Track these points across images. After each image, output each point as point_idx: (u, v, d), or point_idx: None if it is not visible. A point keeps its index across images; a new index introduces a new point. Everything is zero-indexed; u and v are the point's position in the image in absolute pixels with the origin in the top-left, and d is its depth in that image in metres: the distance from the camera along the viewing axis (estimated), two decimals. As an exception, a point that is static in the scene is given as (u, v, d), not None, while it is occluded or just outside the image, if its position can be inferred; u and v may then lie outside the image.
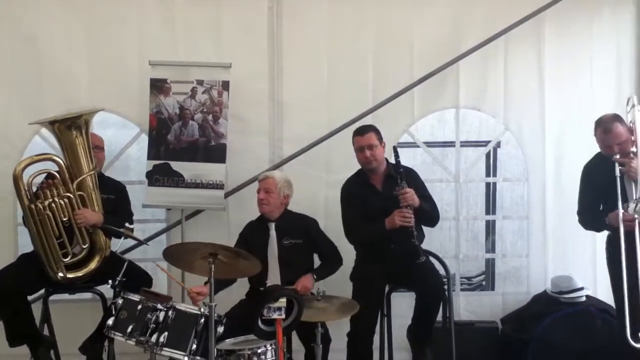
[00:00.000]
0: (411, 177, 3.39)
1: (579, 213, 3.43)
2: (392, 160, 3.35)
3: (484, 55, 3.99)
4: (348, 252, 3.53)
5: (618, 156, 3.09)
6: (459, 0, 4.03)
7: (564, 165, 4.06)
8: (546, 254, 4.09)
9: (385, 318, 3.54)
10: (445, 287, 3.50)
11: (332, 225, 3.81)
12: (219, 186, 3.73)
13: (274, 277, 3.34)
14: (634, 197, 3.04)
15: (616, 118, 3.23)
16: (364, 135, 3.38)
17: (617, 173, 3.07)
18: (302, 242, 3.40)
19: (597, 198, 3.31)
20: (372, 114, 3.95)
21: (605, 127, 3.20)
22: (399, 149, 3.37)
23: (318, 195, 3.97)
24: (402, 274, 3.35)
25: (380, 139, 3.41)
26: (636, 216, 2.94)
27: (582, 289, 3.78)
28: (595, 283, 4.00)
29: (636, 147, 3.11)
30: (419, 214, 3.26)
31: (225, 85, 3.72)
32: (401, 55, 4.02)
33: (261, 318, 2.61)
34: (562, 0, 3.90)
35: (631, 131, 3.16)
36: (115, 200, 3.48)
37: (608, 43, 4.12)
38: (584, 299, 3.78)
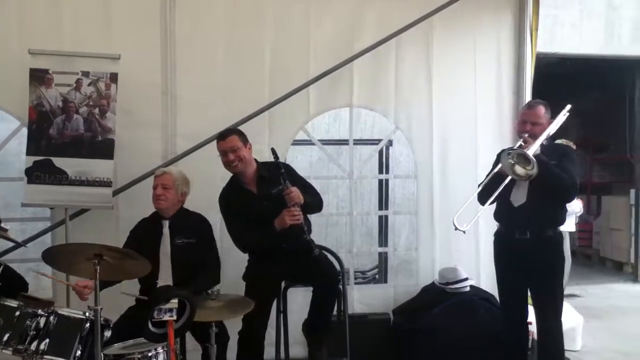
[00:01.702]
0: (289, 172, 3.36)
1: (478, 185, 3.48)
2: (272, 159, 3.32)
3: (377, 56, 4.10)
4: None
5: (527, 135, 3.24)
6: (354, 1, 4.11)
7: (450, 163, 4.29)
8: (434, 247, 4.28)
9: (282, 314, 3.55)
10: (340, 278, 3.55)
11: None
12: (106, 183, 3.55)
13: (165, 277, 3.22)
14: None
15: (544, 104, 3.36)
16: (226, 139, 3.32)
17: (517, 144, 3.22)
18: (195, 242, 3.31)
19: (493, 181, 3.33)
20: (268, 111, 3.94)
21: (531, 103, 3.44)
22: (276, 150, 3.36)
23: (214, 192, 3.87)
24: (297, 270, 3.37)
25: (244, 141, 3.34)
26: (510, 161, 3.09)
27: (466, 279, 4.01)
28: (478, 274, 4.26)
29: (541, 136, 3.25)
30: (305, 207, 3.29)
31: (114, 77, 3.55)
32: (298, 53, 4.03)
33: (152, 320, 2.53)
34: (450, 6, 4.10)
35: (549, 124, 3.33)
36: None
37: (489, 49, 4.38)
38: (468, 289, 4.00)
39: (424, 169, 4.30)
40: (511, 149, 3.17)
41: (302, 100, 4.02)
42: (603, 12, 6.40)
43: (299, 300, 3.64)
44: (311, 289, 3.44)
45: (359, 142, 4.26)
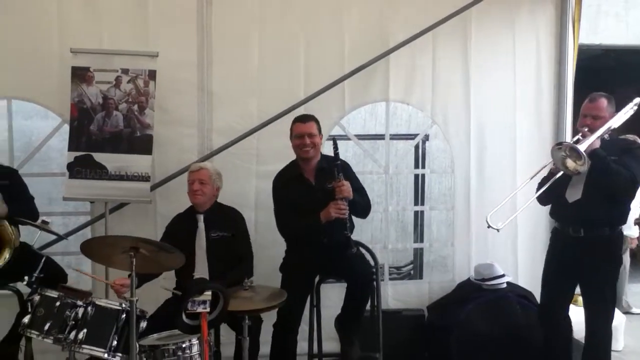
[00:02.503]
0: (345, 169, 3.39)
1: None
2: (330, 152, 3.32)
3: (413, 50, 4.05)
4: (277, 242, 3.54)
5: (586, 129, 3.13)
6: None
7: (487, 158, 4.20)
8: (470, 243, 4.22)
9: (315, 309, 3.56)
10: (374, 277, 3.54)
11: (262, 218, 3.83)
12: (144, 178, 3.62)
13: (201, 270, 3.29)
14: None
15: (607, 97, 3.23)
16: (306, 122, 3.37)
17: (574, 138, 3.14)
18: (230, 235, 3.36)
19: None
20: (303, 106, 3.94)
21: (592, 96, 3.25)
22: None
23: (248, 187, 3.93)
24: (332, 265, 3.37)
25: (319, 130, 3.41)
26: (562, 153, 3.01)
27: (503, 276, 3.93)
28: (516, 270, 4.18)
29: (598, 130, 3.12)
30: (352, 206, 3.28)
31: (152, 74, 3.62)
32: (332, 48, 4.02)
33: (185, 312, 2.58)
34: (486, -1, 4.04)
35: (611, 117, 3.20)
36: (10, 187, 3.28)
37: (529, 41, 4.27)
38: (504, 285, 3.92)
39: (461, 164, 4.23)
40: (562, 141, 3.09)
41: (337, 95, 4.01)
42: (650, 1, 6.16)
43: (333, 296, 3.64)
44: (344, 284, 3.43)
45: (395, 137, 4.21)
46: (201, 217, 3.35)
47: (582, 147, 2.96)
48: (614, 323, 4.10)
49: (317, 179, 3.41)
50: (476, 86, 4.20)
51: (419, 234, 4.34)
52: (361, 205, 3.41)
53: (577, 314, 3.45)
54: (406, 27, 4.02)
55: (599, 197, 3.09)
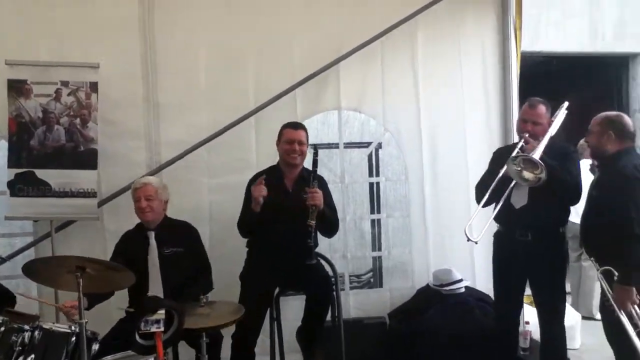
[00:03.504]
0: (320, 183, 3.36)
1: (475, 187, 3.45)
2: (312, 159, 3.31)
3: (363, 58, 4.05)
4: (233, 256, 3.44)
5: (527, 135, 3.18)
6: (339, 5, 4.06)
7: (439, 164, 4.24)
8: (427, 249, 4.23)
9: (275, 322, 3.48)
10: (333, 287, 3.49)
11: (217, 232, 3.73)
12: (90, 194, 3.46)
13: (155, 288, 3.15)
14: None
15: (545, 103, 3.31)
16: (297, 130, 3.39)
17: (519, 146, 3.16)
18: (183, 250, 3.24)
19: (491, 177, 3.28)
20: (255, 116, 3.89)
21: (532, 102, 3.30)
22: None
23: (201, 201, 3.81)
24: (291, 276, 3.32)
25: (307, 139, 3.42)
26: (516, 167, 3.04)
27: (461, 280, 3.96)
28: (473, 274, 4.20)
29: (543, 137, 3.18)
30: (321, 219, 3.25)
31: (94, 86, 3.48)
32: (283, 56, 3.97)
33: (139, 332, 2.45)
34: (432, 6, 4.08)
35: (549, 123, 3.28)
36: None
37: (474, 48, 4.34)
38: (463, 290, 3.95)
39: (415, 171, 4.24)
40: (515, 154, 3.07)
41: (289, 104, 3.96)
42: (586, 10, 6.44)
43: (294, 308, 3.57)
44: (304, 296, 3.37)
45: (349, 145, 4.20)
46: (152, 234, 3.21)
47: (536, 155, 2.99)
48: (571, 322, 4.23)
49: (295, 187, 3.37)
50: (425, 93, 4.24)
51: (376, 242, 4.32)
52: (330, 220, 3.39)
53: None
54: (356, 35, 4.01)
55: (545, 202, 3.14)
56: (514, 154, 3.09)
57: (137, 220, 3.27)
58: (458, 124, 4.32)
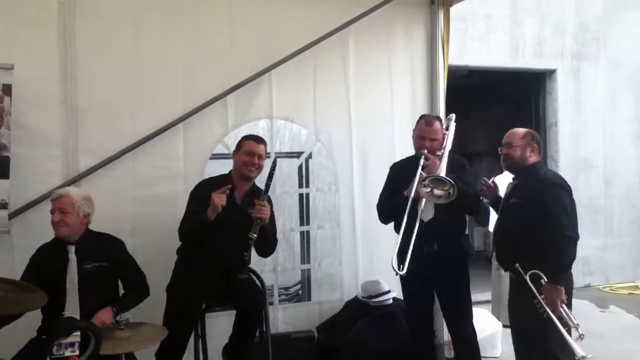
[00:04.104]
0: (268, 201, 3.30)
1: (377, 206, 3.57)
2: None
3: (295, 68, 4.02)
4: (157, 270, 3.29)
5: (426, 151, 3.30)
6: (270, 13, 4.00)
7: (369, 174, 4.27)
8: (356, 260, 4.25)
9: (200, 339, 3.36)
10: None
11: (141, 245, 3.53)
12: (1, 205, 3.20)
13: (72, 308, 2.92)
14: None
15: (439, 118, 3.52)
16: (259, 144, 3.34)
17: (421, 163, 3.26)
18: (106, 265, 3.04)
19: (395, 192, 3.44)
20: (183, 123, 3.74)
21: (428, 120, 3.44)
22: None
23: (124, 212, 3.61)
24: (222, 290, 3.23)
25: (266, 154, 3.36)
26: (426, 190, 3.14)
27: (389, 292, 3.98)
28: (400, 285, 4.24)
29: (443, 150, 3.37)
30: (262, 235, 3.19)
31: (7, 89, 3.21)
32: (214, 62, 3.85)
33: (51, 357, 2.28)
34: (363, 18, 4.11)
35: (443, 138, 3.43)
36: None
37: (404, 59, 4.42)
38: (391, 301, 3.98)
39: (345, 181, 4.26)
40: (423, 177, 3.16)
41: (220, 112, 3.86)
42: (508, 27, 6.71)
43: (219, 325, 3.47)
44: (231, 312, 3.29)
45: (279, 155, 4.11)
46: (72, 249, 2.98)
47: (442, 173, 3.14)
48: (492, 331, 4.36)
49: (244, 201, 3.29)
50: (357, 103, 4.27)
51: (305, 254, 4.27)
52: (270, 238, 3.36)
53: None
54: (288, 43, 3.97)
55: (448, 214, 3.28)
56: (417, 177, 3.18)
57: (50, 236, 3.03)
58: (388, 134, 4.38)
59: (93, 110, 3.57)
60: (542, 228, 2.97)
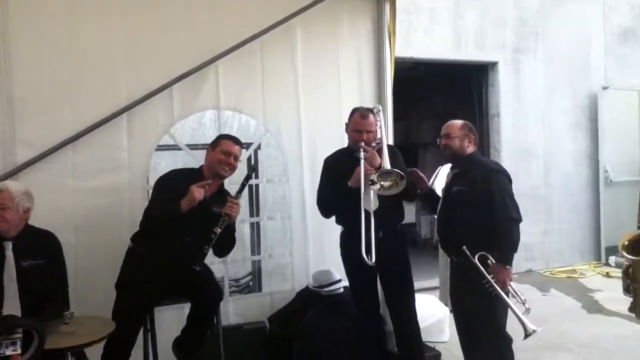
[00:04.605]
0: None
1: (318, 203, 3.61)
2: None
3: (242, 57, 3.96)
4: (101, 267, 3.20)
5: (363, 144, 3.35)
6: (217, 2, 3.93)
7: (318, 165, 4.21)
8: (307, 251, 4.25)
9: (149, 333, 3.28)
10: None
11: (83, 240, 3.43)
12: None
13: (12, 306, 2.80)
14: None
15: (372, 111, 3.58)
16: (236, 145, 3.32)
17: (362, 156, 3.30)
18: (44, 262, 2.93)
19: (334, 187, 3.48)
20: (127, 113, 3.63)
21: (363, 113, 3.49)
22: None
23: (64, 206, 3.47)
24: (177, 282, 3.17)
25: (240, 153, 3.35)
26: (376, 186, 3.20)
27: (339, 281, 4.00)
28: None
29: (380, 143, 3.44)
30: (226, 233, 3.18)
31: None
32: (158, 51, 3.74)
33: (-9, 357, 2.18)
34: (310, 8, 4.09)
35: (376, 129, 3.52)
36: None
37: (351, 49, 4.42)
38: (342, 290, 4.00)
39: (295, 171, 4.24)
40: (371, 175, 3.21)
41: (165, 102, 3.76)
42: (451, 20, 6.86)
43: (168, 318, 3.40)
44: (180, 305, 3.23)
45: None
46: (9, 245, 2.86)
47: (387, 165, 3.22)
48: (439, 316, 4.47)
49: (211, 199, 3.23)
50: (305, 94, 4.25)
51: (256, 246, 4.25)
52: (230, 239, 3.35)
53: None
54: (236, 33, 3.92)
55: (390, 203, 3.37)
56: (362, 167, 3.23)
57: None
58: (336, 124, 4.32)
59: (30, 100, 3.40)
60: (490, 212, 3.11)
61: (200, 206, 3.12)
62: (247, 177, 3.27)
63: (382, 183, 3.20)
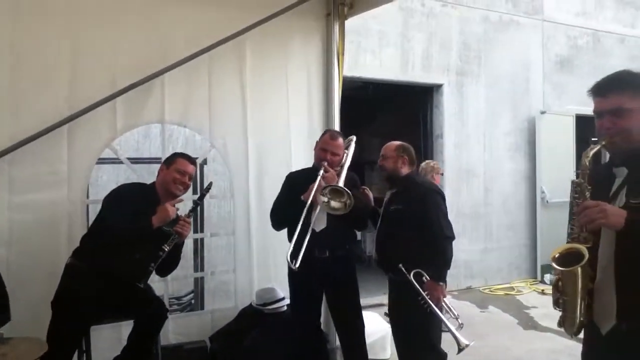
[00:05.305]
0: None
1: (271, 213, 3.61)
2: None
3: (190, 71, 3.93)
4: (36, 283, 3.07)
5: (326, 164, 3.41)
6: (165, 14, 3.88)
7: (265, 181, 4.26)
8: (251, 268, 4.22)
9: (85, 354, 3.17)
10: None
11: (17, 256, 3.31)
12: None
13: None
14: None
15: (342, 135, 3.64)
16: (191, 164, 3.31)
17: (321, 173, 3.36)
18: None
19: (289, 201, 3.49)
20: (68, 125, 3.53)
21: (333, 134, 3.58)
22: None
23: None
24: (119, 300, 3.09)
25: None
26: (324, 199, 3.24)
27: (283, 299, 4.00)
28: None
29: (341, 167, 3.51)
30: (173, 252, 3.15)
31: None
32: (102, 63, 3.67)
33: None
34: (261, 24, 4.11)
35: (344, 154, 3.60)
36: None
37: (300, 67, 4.47)
38: (285, 308, 3.99)
39: (240, 188, 4.23)
40: (324, 186, 3.26)
41: (108, 115, 3.68)
42: (399, 42, 7.02)
43: (106, 338, 3.31)
44: (117, 324, 3.15)
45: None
46: None
47: (341, 184, 3.26)
48: (382, 333, 4.51)
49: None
50: (253, 111, 4.25)
51: (199, 262, 4.18)
52: (177, 257, 3.32)
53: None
54: (183, 46, 3.88)
55: (340, 225, 3.42)
56: (316, 184, 3.28)
57: None
58: (284, 142, 4.40)
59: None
60: (424, 230, 3.22)
61: (150, 223, 3.09)
62: (201, 197, 3.28)
63: (331, 201, 3.22)
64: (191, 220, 3.22)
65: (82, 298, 2.98)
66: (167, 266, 3.28)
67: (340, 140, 3.55)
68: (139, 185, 3.38)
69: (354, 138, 3.78)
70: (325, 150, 3.48)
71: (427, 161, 5.61)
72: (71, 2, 3.58)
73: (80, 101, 3.56)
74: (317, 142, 3.62)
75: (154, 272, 3.15)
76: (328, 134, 3.58)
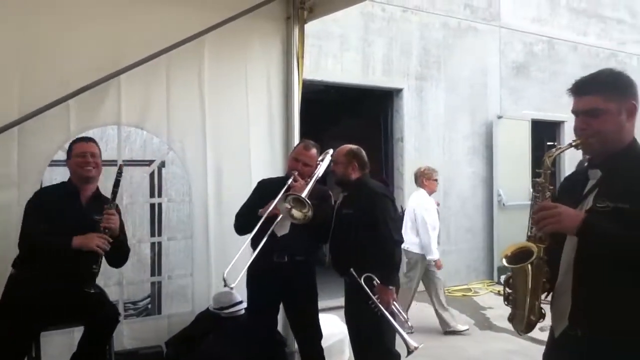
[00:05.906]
0: (117, 210, 3.20)
1: (236, 216, 3.58)
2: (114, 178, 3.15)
3: (147, 72, 3.87)
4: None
5: (297, 173, 3.40)
6: (122, 13, 3.82)
7: (224, 185, 4.25)
8: (210, 272, 4.19)
9: (35, 362, 3.09)
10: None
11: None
12: None
13: None
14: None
15: (317, 146, 3.61)
16: (88, 142, 3.25)
17: (290, 182, 3.36)
18: None
19: (256, 207, 3.46)
20: (18, 127, 3.44)
21: (307, 144, 3.56)
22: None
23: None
24: (67, 305, 3.00)
25: (100, 156, 3.29)
26: (287, 205, 3.22)
27: (241, 302, 3.97)
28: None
29: (310, 177, 3.47)
30: (115, 246, 3.09)
31: None
32: (55, 62, 3.59)
33: None
34: (220, 27, 4.08)
35: (317, 166, 3.57)
36: None
37: (260, 69, 4.47)
38: (242, 312, 3.96)
39: (199, 191, 4.19)
40: (287, 193, 3.25)
41: (61, 116, 3.60)
42: (360, 46, 7.08)
43: (57, 344, 3.23)
44: (68, 330, 3.09)
45: (128, 163, 3.92)
46: None
47: (304, 195, 3.24)
48: (340, 336, 4.53)
49: (90, 204, 3.16)
50: (212, 113, 4.23)
51: (156, 267, 4.11)
52: (121, 251, 3.25)
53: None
54: (140, 47, 3.81)
55: (302, 233, 3.40)
56: (279, 196, 3.27)
57: None
58: (243, 145, 4.38)
59: None
60: (373, 234, 3.25)
61: (80, 214, 3.07)
62: (116, 183, 3.17)
63: (292, 209, 3.21)
64: (114, 210, 3.11)
65: (24, 306, 2.91)
66: (117, 259, 3.26)
67: (314, 151, 3.54)
68: (57, 185, 3.33)
69: (331, 151, 3.75)
70: (297, 160, 3.49)
71: (419, 167, 5.77)
72: (23, 1, 3.49)
73: (32, 102, 3.46)
74: (291, 152, 3.62)
75: (107, 275, 3.09)
76: (302, 144, 3.59)
